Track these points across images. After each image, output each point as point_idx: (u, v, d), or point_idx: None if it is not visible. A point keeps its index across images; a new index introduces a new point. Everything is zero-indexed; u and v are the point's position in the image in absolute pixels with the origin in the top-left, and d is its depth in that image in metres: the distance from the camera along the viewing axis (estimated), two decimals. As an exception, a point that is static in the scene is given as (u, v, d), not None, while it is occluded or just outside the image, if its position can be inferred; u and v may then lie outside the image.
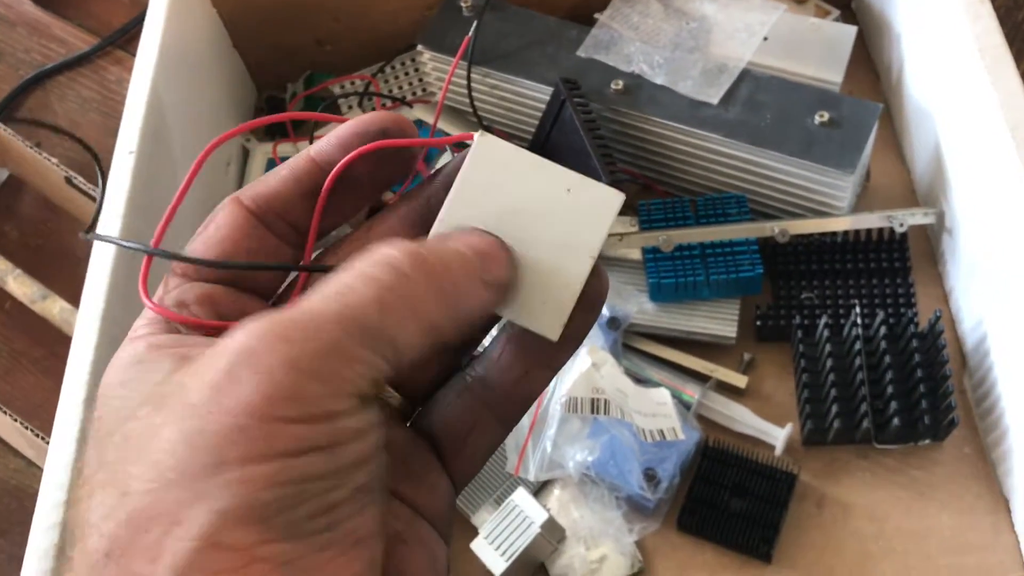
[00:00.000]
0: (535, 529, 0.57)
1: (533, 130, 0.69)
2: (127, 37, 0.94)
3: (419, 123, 0.77)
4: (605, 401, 0.58)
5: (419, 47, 0.74)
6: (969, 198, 0.63)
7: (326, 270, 0.27)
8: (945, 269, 0.68)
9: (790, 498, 0.60)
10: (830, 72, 0.71)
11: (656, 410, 0.61)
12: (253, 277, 0.27)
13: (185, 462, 0.20)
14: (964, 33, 0.60)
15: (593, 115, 0.65)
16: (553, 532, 0.58)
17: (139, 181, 0.58)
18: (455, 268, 0.24)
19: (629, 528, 0.60)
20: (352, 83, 0.80)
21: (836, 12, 0.79)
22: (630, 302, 0.66)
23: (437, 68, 0.74)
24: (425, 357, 0.24)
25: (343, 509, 0.21)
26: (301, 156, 0.27)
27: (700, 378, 0.65)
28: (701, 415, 0.64)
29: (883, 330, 0.61)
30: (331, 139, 0.27)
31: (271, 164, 0.75)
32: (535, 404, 0.59)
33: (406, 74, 0.79)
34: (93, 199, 0.79)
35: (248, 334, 0.21)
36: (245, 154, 0.77)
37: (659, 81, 0.68)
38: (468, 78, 0.70)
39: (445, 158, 0.72)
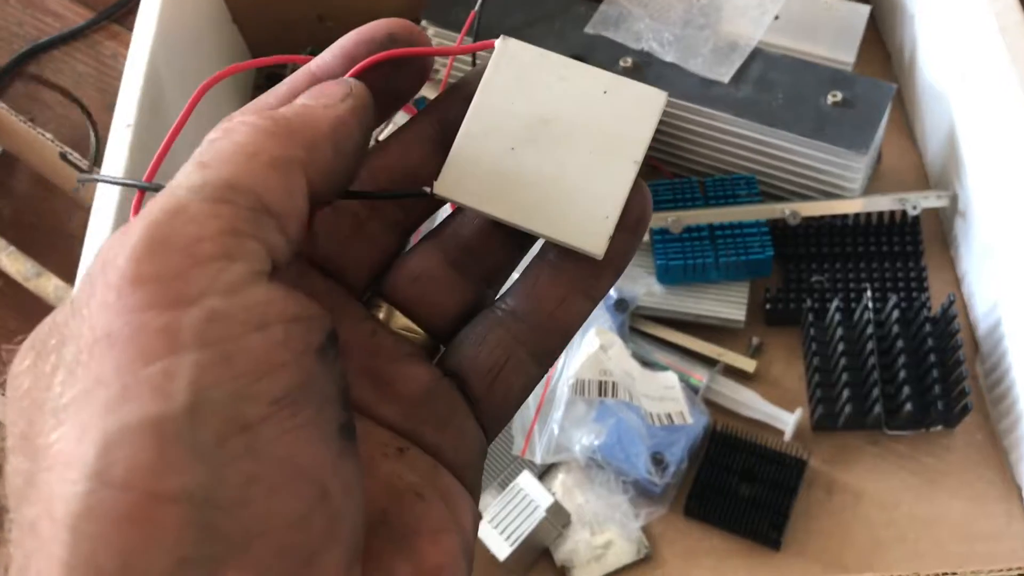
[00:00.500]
0: (540, 513, 0.56)
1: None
2: (123, 11, 0.92)
3: (422, 101, 0.75)
4: (613, 384, 0.57)
5: (423, 22, 0.72)
6: (984, 180, 0.62)
7: (420, 195, 0.24)
8: (958, 253, 0.67)
9: (799, 484, 0.59)
10: (842, 52, 0.70)
11: (664, 394, 0.60)
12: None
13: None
14: (983, 11, 0.59)
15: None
16: (558, 517, 0.57)
17: (136, 154, 0.57)
18: (288, 110, 0.21)
19: (635, 513, 0.59)
20: (353, 59, 0.78)
21: (848, -9, 0.78)
22: (638, 284, 0.64)
23: (441, 44, 0.72)
24: (325, 202, 0.21)
25: (262, 430, 0.17)
26: (301, 72, 0.24)
27: (708, 362, 0.64)
28: (709, 399, 0.63)
29: (895, 314, 0.60)
30: (334, 50, 0.24)
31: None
32: (545, 379, 0.58)
33: (409, 51, 0.78)
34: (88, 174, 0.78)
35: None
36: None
37: (669, 59, 0.66)
38: (473, 55, 0.69)
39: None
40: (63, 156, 0.77)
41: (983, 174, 0.62)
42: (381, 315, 0.25)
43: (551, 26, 0.69)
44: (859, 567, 0.57)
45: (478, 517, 0.24)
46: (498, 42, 0.25)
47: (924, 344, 0.59)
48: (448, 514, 0.22)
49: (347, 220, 0.25)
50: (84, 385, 0.17)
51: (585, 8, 0.70)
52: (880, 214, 0.66)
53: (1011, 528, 0.58)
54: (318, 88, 0.22)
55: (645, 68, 0.66)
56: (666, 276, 0.65)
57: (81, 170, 0.76)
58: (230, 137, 0.20)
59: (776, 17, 0.69)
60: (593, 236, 0.23)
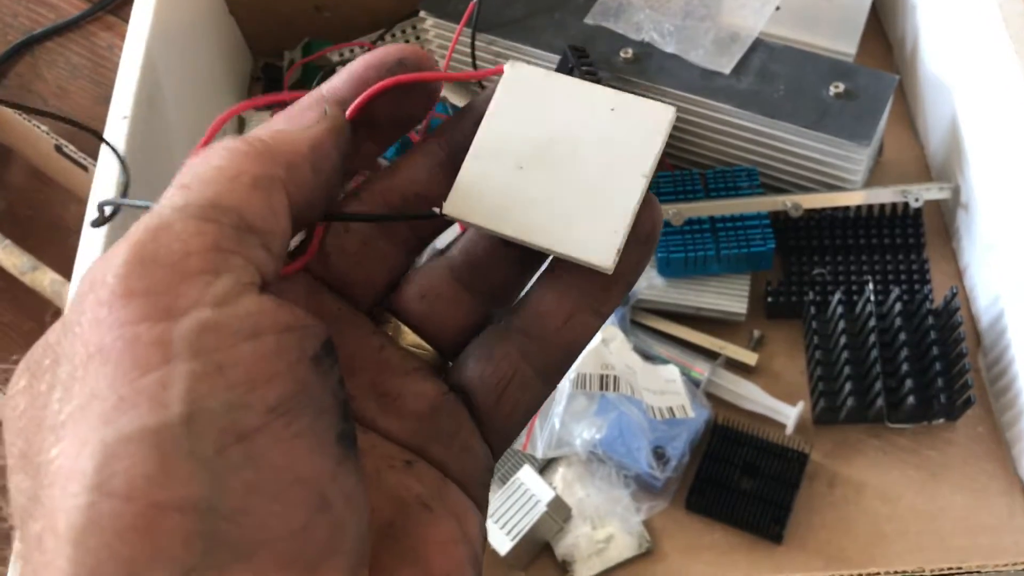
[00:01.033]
0: (541, 508, 0.56)
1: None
2: (119, 2, 0.91)
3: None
4: (614, 378, 0.57)
5: (421, 13, 0.71)
6: (987, 173, 0.61)
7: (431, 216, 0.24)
8: (960, 245, 0.66)
9: (801, 478, 0.59)
10: (843, 43, 0.70)
11: (665, 387, 0.60)
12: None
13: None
14: (986, 1, 0.59)
15: (602, 84, 0.63)
16: (559, 511, 0.57)
17: (133, 146, 0.56)
18: (264, 132, 0.22)
19: (637, 507, 0.58)
20: (351, 51, 0.78)
21: (849, -18, 0.77)
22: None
23: (440, 35, 0.72)
24: (307, 220, 0.22)
25: (259, 439, 0.17)
26: (311, 96, 0.24)
27: (709, 355, 0.64)
28: (710, 393, 0.62)
29: (897, 307, 0.60)
30: (344, 75, 0.24)
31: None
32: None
33: (407, 42, 0.77)
34: (84, 168, 0.77)
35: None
36: (241, 123, 0.75)
37: (669, 50, 0.66)
38: (472, 46, 0.68)
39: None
40: (58, 149, 0.76)
41: (985, 166, 0.62)
42: (389, 331, 0.25)
43: (550, 16, 0.68)
44: (861, 561, 0.57)
45: (486, 532, 0.24)
46: (507, 67, 0.25)
47: (926, 337, 0.59)
48: (456, 525, 0.22)
49: (356, 239, 0.25)
50: (80, 400, 0.17)
51: (585, -2, 0.69)
52: (882, 206, 0.66)
53: (1014, 521, 0.58)
54: (292, 111, 0.23)
55: (645, 59, 0.66)
56: (667, 269, 0.64)
57: (78, 164, 0.75)
58: (209, 161, 0.20)
59: (777, 8, 0.69)
60: (602, 250, 0.23)
